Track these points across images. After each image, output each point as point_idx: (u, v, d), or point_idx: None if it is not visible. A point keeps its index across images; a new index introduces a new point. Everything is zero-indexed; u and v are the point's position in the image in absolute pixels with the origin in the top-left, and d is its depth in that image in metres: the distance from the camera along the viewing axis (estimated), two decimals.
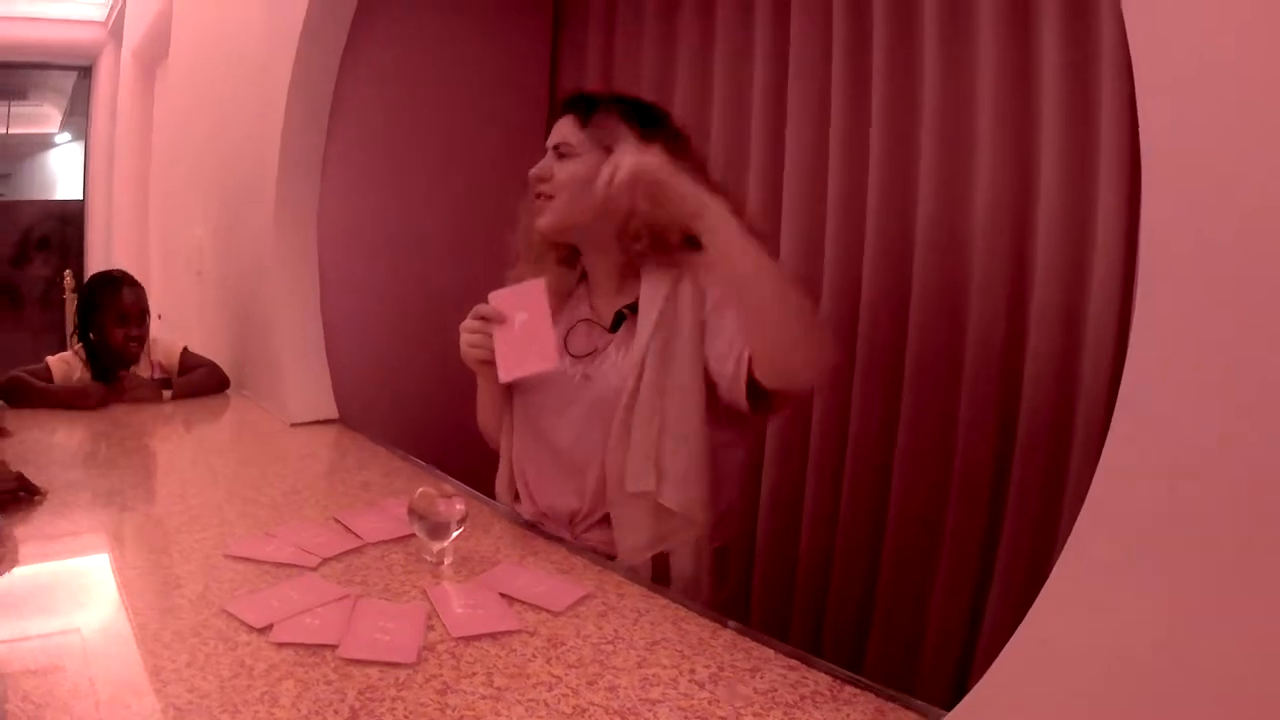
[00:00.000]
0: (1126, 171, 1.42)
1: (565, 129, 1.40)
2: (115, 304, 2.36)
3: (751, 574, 2.07)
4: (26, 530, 1.38)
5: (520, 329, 1.31)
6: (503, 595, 1.16)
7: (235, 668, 0.95)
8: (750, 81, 2.09)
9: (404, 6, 2.49)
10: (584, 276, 1.49)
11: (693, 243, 1.22)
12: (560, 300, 1.47)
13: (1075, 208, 1.50)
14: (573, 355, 1.42)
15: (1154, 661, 0.64)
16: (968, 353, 1.66)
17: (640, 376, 1.31)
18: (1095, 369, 1.47)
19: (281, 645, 1.01)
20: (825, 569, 1.93)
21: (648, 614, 1.13)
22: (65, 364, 2.38)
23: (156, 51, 4.39)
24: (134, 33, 4.80)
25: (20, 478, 1.48)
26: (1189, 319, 0.63)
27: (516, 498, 1.51)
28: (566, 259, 1.48)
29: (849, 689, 0.95)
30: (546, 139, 1.42)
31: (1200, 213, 0.62)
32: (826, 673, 0.98)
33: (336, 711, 0.87)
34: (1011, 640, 0.74)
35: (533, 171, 1.41)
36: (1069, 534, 0.70)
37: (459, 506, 1.25)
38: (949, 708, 0.80)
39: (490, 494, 1.59)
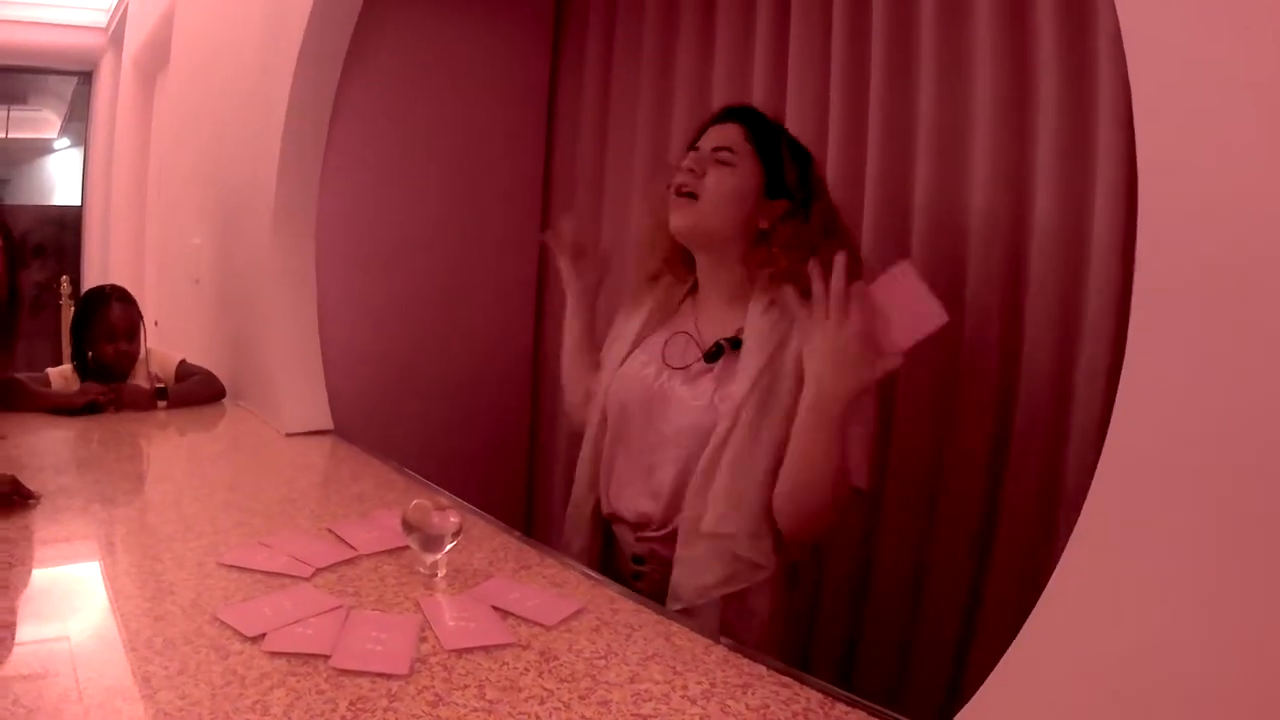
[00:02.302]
0: (1124, 173, 1.41)
1: (730, 136, 1.40)
2: (104, 320, 2.38)
3: None
4: (19, 534, 1.37)
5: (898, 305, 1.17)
6: (496, 608, 1.16)
7: (226, 676, 0.95)
8: (749, 87, 2.10)
9: (404, 17, 2.51)
10: (694, 289, 1.50)
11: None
12: (666, 313, 1.50)
13: (1071, 212, 1.50)
14: (669, 366, 1.42)
15: (1147, 681, 0.65)
16: (963, 357, 1.66)
17: (735, 422, 1.29)
18: (1091, 376, 1.47)
19: (274, 654, 1.00)
20: (814, 586, 1.93)
21: (640, 629, 1.13)
22: (64, 378, 2.40)
23: (157, 59, 4.41)
24: (134, 39, 4.82)
25: (14, 481, 1.47)
26: (1186, 325, 0.63)
27: (594, 492, 1.50)
28: (684, 264, 1.49)
29: (840, 706, 0.95)
30: (692, 141, 1.44)
31: (1196, 218, 0.63)
32: (818, 690, 0.99)
33: None
34: (1001, 661, 0.74)
35: (685, 163, 1.40)
36: (1062, 550, 0.71)
37: (453, 519, 1.26)
38: None
39: (485, 509, 1.59)
